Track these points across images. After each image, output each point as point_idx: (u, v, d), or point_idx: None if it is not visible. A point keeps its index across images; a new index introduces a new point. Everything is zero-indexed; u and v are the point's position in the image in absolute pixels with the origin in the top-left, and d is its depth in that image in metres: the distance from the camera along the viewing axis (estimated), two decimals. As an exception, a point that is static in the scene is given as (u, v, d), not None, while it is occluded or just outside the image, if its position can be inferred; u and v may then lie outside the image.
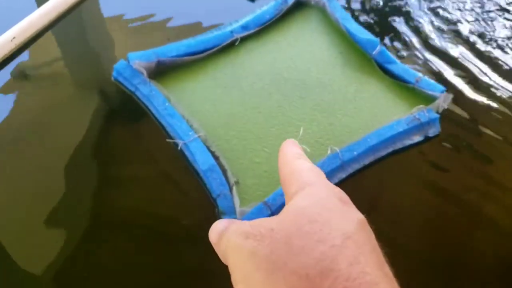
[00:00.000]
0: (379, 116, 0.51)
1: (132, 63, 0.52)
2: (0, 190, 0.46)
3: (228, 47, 0.57)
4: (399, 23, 0.63)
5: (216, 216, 0.43)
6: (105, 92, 0.56)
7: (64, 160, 0.48)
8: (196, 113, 0.50)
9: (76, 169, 0.48)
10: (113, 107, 0.55)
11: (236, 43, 0.57)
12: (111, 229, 0.44)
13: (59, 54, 0.61)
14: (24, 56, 0.58)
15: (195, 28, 0.61)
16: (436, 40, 0.61)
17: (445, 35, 0.62)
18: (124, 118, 0.54)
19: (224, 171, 0.45)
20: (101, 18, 0.65)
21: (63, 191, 0.46)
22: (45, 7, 0.61)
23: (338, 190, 0.25)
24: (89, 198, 0.46)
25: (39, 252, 0.42)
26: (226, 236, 0.24)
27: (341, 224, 0.22)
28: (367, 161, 0.47)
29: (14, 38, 0.57)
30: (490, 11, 0.66)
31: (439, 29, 0.63)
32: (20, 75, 0.57)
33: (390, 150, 0.48)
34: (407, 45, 0.60)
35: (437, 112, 0.51)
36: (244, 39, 0.58)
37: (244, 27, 0.58)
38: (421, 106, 0.50)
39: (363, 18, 0.64)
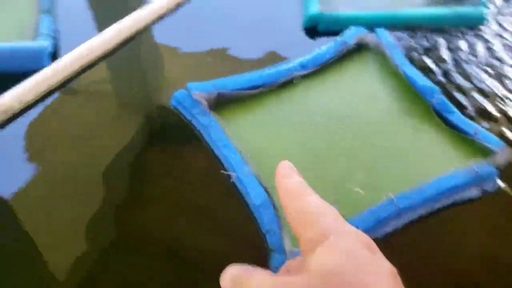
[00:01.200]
0: (436, 165, 0.50)
1: (192, 93, 0.54)
2: (32, 194, 0.47)
3: (285, 84, 0.58)
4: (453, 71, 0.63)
5: (265, 255, 0.42)
6: (148, 116, 0.57)
7: (97, 174, 0.49)
8: (250, 147, 0.51)
9: (110, 184, 0.49)
10: (154, 131, 0.56)
11: (294, 81, 0.58)
12: (143, 253, 0.44)
13: (108, 74, 0.63)
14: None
15: (252, 63, 0.63)
16: (493, 88, 0.60)
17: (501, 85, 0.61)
18: (165, 143, 0.54)
19: (275, 208, 0.45)
20: (155, 46, 0.68)
21: (93, 203, 0.47)
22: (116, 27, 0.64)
23: (362, 235, 0.24)
24: (120, 217, 0.46)
25: (61, 263, 0.42)
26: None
27: (373, 279, 0.21)
28: (423, 211, 0.46)
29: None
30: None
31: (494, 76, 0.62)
32: (68, 89, 0.59)
33: (446, 202, 0.47)
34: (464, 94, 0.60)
35: (496, 168, 0.50)
36: (302, 77, 0.59)
37: (303, 66, 0.59)
38: (480, 159, 0.49)
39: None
